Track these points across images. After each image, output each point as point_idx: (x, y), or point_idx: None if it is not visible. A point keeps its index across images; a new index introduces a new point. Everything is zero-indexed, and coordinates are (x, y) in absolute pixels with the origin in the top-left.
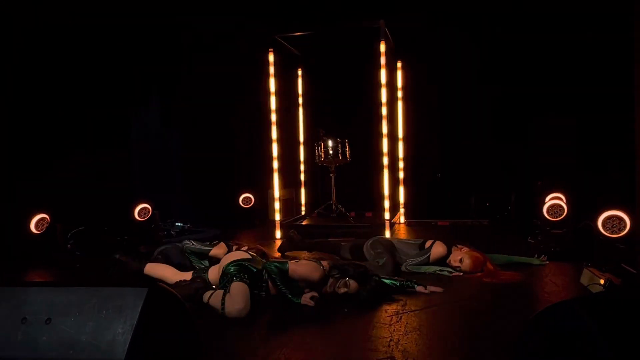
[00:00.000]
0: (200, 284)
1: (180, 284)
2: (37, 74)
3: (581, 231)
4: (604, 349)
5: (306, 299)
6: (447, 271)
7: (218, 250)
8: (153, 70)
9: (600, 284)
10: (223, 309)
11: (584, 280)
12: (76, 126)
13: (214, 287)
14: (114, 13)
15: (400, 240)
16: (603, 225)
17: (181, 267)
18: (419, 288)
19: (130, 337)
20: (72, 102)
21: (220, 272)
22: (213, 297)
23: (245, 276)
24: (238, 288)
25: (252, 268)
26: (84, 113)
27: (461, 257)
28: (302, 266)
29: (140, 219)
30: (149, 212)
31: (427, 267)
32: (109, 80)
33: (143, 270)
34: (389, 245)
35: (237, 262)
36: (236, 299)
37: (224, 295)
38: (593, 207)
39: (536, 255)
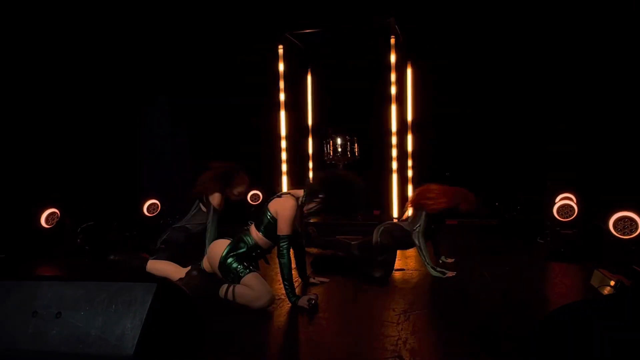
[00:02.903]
0: (196, 280)
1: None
2: (49, 73)
3: (591, 232)
4: (615, 350)
5: (303, 301)
6: (440, 272)
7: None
8: (162, 69)
9: (610, 286)
10: (250, 302)
11: (595, 281)
12: (87, 123)
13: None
14: (123, 12)
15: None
16: (614, 227)
17: (188, 251)
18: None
19: (139, 332)
20: (83, 98)
21: (217, 265)
22: (236, 293)
23: (246, 264)
24: (254, 280)
25: (243, 249)
26: (95, 110)
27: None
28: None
29: (149, 215)
30: (157, 207)
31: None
32: (120, 78)
33: (145, 268)
34: (398, 234)
35: (231, 255)
36: (259, 288)
37: (234, 289)
38: (604, 208)
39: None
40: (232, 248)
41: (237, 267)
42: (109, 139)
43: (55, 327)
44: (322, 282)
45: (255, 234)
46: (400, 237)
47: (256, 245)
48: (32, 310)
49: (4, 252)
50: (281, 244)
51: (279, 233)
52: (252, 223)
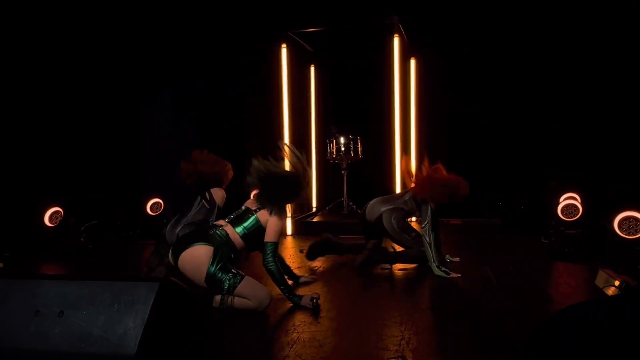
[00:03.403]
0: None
1: None
2: (54, 74)
3: (596, 232)
4: (621, 350)
5: (306, 300)
6: (444, 271)
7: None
8: (166, 67)
9: (615, 286)
10: (253, 309)
11: (599, 282)
12: (91, 123)
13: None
14: (125, 10)
15: (394, 201)
16: (619, 227)
17: None
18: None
19: (141, 332)
20: (88, 99)
21: (203, 279)
22: (235, 306)
23: (234, 271)
24: (248, 287)
25: (228, 256)
26: (98, 110)
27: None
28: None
29: (152, 214)
30: (160, 206)
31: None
32: (122, 76)
33: None
34: (403, 216)
35: (219, 266)
36: (256, 295)
37: (232, 302)
38: (609, 208)
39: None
40: (220, 259)
41: (226, 278)
42: (111, 138)
43: (57, 326)
44: (313, 280)
45: (233, 234)
46: (405, 216)
47: (235, 247)
48: (34, 309)
49: (8, 251)
50: (268, 252)
51: (267, 240)
52: (227, 222)
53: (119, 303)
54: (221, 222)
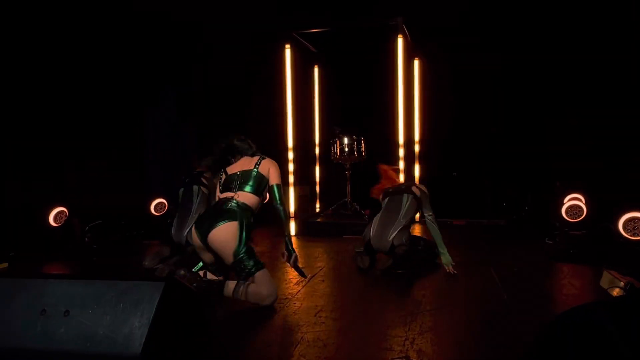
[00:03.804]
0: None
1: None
2: (56, 73)
3: (600, 233)
4: (626, 354)
5: (295, 260)
6: (451, 263)
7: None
8: (169, 67)
9: (620, 287)
10: (261, 300)
11: (604, 283)
12: (95, 122)
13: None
14: (127, 9)
15: (396, 219)
16: (624, 228)
17: None
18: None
19: (146, 331)
20: (90, 98)
21: (232, 256)
22: (248, 293)
23: (257, 259)
24: (265, 277)
25: (250, 223)
26: (102, 110)
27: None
28: None
29: (156, 214)
30: (164, 207)
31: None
32: (125, 76)
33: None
34: (409, 223)
35: (246, 240)
36: (270, 286)
37: (246, 289)
38: (613, 209)
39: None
40: (246, 229)
41: (250, 262)
42: (115, 138)
43: (63, 326)
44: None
45: (247, 197)
46: (409, 227)
47: (253, 210)
48: (40, 309)
49: (13, 250)
50: (276, 193)
51: (276, 182)
52: (235, 190)
53: (124, 302)
54: (228, 194)
